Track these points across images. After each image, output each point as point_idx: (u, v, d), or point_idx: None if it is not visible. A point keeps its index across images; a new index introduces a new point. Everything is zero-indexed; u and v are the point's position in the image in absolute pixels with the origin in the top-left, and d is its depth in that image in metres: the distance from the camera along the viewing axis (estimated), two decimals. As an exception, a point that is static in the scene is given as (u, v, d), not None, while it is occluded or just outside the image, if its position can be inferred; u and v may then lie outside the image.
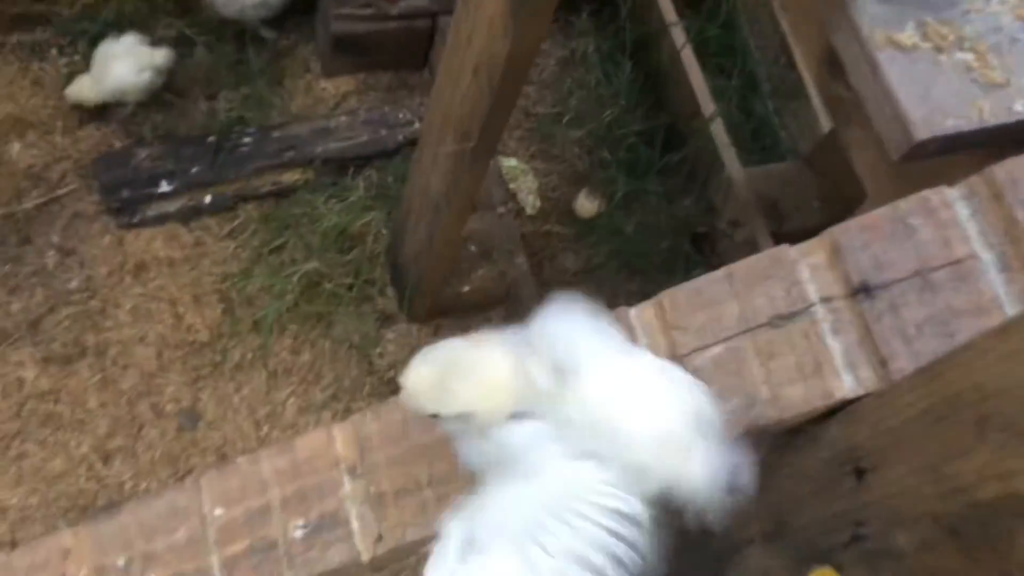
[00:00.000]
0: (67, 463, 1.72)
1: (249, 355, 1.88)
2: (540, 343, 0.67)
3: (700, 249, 2.02)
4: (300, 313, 1.91)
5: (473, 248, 1.92)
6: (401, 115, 2.07)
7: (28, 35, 2.05)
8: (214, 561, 0.89)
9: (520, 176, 2.07)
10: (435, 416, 0.73)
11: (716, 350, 0.81)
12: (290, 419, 1.85)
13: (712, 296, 0.82)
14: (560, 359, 0.65)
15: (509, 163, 2.06)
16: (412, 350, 1.88)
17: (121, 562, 0.93)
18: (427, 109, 1.58)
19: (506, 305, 1.96)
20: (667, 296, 0.82)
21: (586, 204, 2.06)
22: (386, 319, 1.95)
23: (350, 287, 1.94)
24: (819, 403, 0.78)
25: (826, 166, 1.79)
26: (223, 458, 1.77)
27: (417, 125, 2.07)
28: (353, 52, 2.10)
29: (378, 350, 1.91)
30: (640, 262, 2.04)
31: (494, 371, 0.68)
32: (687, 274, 0.84)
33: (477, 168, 1.51)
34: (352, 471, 0.88)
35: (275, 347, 1.88)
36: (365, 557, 0.85)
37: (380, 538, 0.85)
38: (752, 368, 0.80)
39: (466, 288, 1.90)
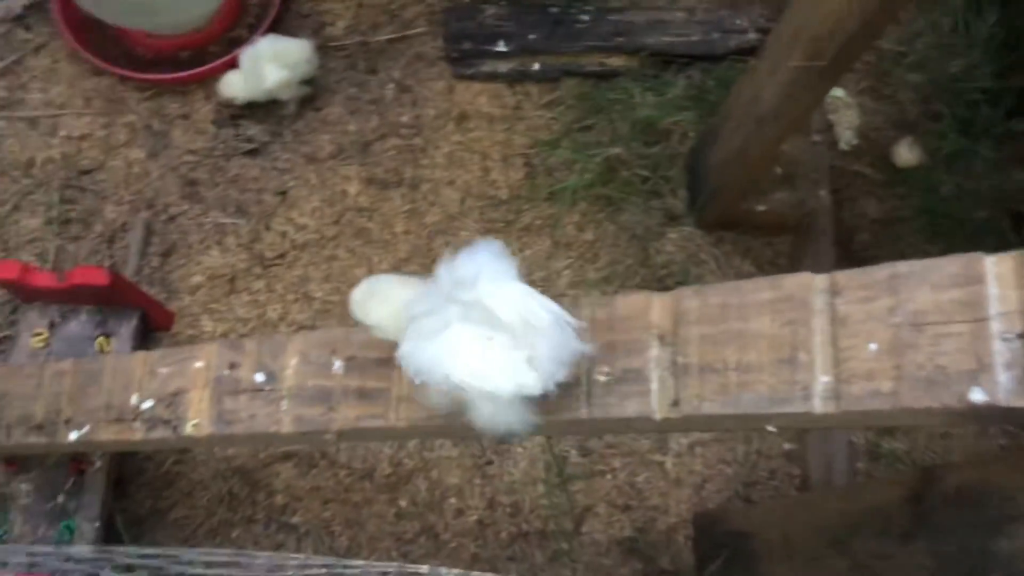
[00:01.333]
0: (367, 274, 1.91)
1: (538, 221, 1.98)
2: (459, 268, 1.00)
3: (1019, 228, 1.89)
4: (593, 193, 1.99)
5: (779, 170, 1.90)
6: (738, 22, 2.05)
7: None
8: (520, 382, 0.99)
9: (843, 108, 2.00)
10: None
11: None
12: (560, 289, 1.95)
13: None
14: (467, 276, 0.97)
15: (836, 93, 2.00)
16: (690, 254, 1.94)
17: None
18: (781, 19, 1.55)
19: (795, 235, 1.94)
20: (1033, 253, 0.80)
21: (905, 153, 1.96)
22: (672, 218, 1.99)
23: (645, 179, 1.99)
24: None
25: None
26: (496, 307, 1.91)
27: (751, 35, 2.05)
28: (704, -50, 2.08)
29: (657, 245, 1.96)
30: (947, 226, 1.93)
31: (396, 304, 1.05)
32: (996, 251, 0.81)
33: (819, 89, 1.48)
34: (662, 338, 0.94)
35: (563, 219, 1.97)
36: (658, 416, 0.92)
37: (676, 403, 0.91)
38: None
39: (761, 208, 1.89)
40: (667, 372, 0.93)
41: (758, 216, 1.91)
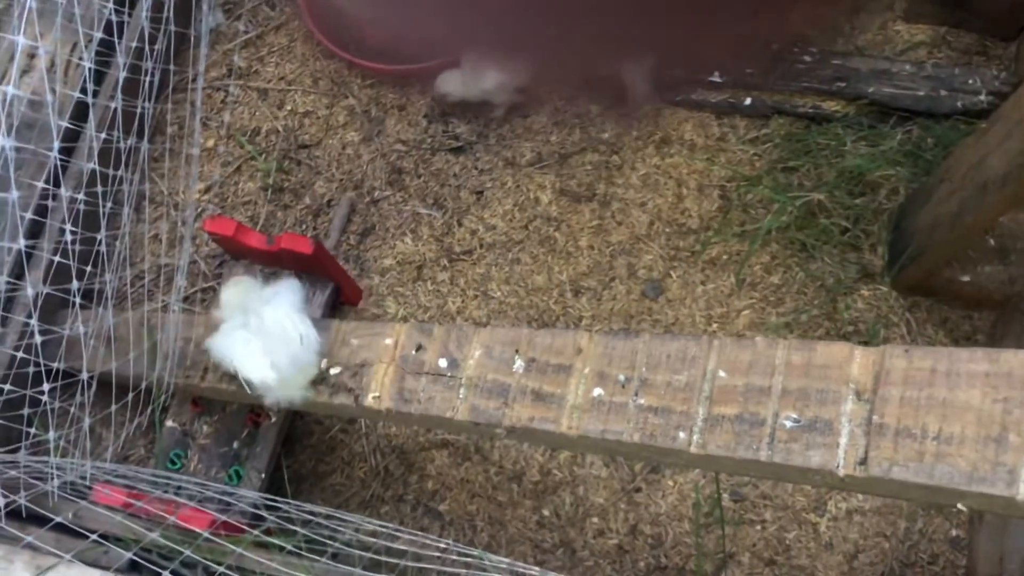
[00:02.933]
0: (546, 282, 1.96)
1: (725, 256, 1.96)
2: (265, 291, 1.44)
3: None
4: (787, 236, 1.94)
5: (991, 241, 1.79)
6: (971, 81, 1.95)
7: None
8: (700, 412, 0.99)
9: (1075, 187, 1.86)
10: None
11: None
12: (738, 329, 1.91)
13: None
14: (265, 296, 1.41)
15: (1069, 170, 1.86)
16: (881, 314, 1.86)
17: (621, 377, 1.06)
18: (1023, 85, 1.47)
19: (999, 313, 1.82)
20: None
21: None
22: (866, 275, 1.91)
23: (845, 230, 1.92)
24: None
25: None
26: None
27: (983, 97, 1.94)
28: (945, 3, 2.00)
29: (847, 300, 1.89)
30: None
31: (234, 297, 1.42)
32: None
33: (1057, 162, 1.39)
34: (860, 394, 0.91)
35: (752, 258, 1.93)
36: (842, 472, 0.89)
37: (863, 462, 0.88)
38: None
39: (965, 278, 1.79)
40: (859, 429, 0.90)
41: (961, 287, 1.81)
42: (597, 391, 1.06)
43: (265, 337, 1.33)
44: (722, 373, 0.98)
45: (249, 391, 1.36)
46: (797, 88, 1.99)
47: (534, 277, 1.96)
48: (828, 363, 0.93)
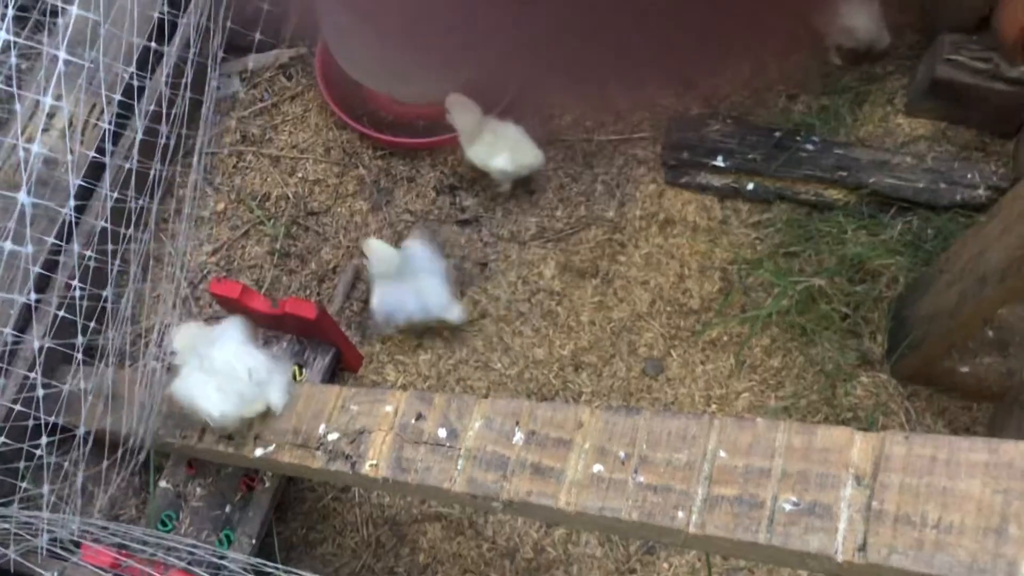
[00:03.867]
0: (547, 355, 1.96)
1: (726, 337, 1.97)
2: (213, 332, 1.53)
3: None
4: (788, 320, 1.95)
5: (990, 333, 1.80)
6: (970, 176, 1.99)
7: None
8: (700, 491, 0.99)
9: (1073, 283, 1.88)
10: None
11: None
12: (737, 411, 1.91)
13: None
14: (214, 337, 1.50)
15: (1067, 265, 1.89)
16: (880, 402, 1.86)
17: (621, 453, 1.06)
18: (1022, 182, 1.50)
19: (997, 405, 1.82)
20: None
21: None
22: (866, 362, 1.92)
23: (845, 317, 1.93)
24: None
25: None
26: (668, 414, 1.89)
27: (981, 191, 1.98)
28: (946, 99, 2.05)
29: (846, 387, 1.89)
30: None
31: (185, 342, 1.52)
32: None
33: (1055, 257, 1.41)
34: (859, 479, 0.91)
35: (752, 341, 1.94)
36: (840, 558, 0.88)
37: (863, 548, 0.87)
38: None
39: (964, 369, 1.80)
40: (859, 514, 0.89)
41: (960, 377, 1.82)
42: (597, 467, 1.06)
43: (216, 375, 1.44)
44: (722, 453, 0.98)
45: (212, 425, 1.45)
46: (800, 175, 2.03)
47: (535, 350, 1.97)
48: (828, 447, 0.93)
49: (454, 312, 1.89)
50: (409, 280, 1.87)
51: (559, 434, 1.12)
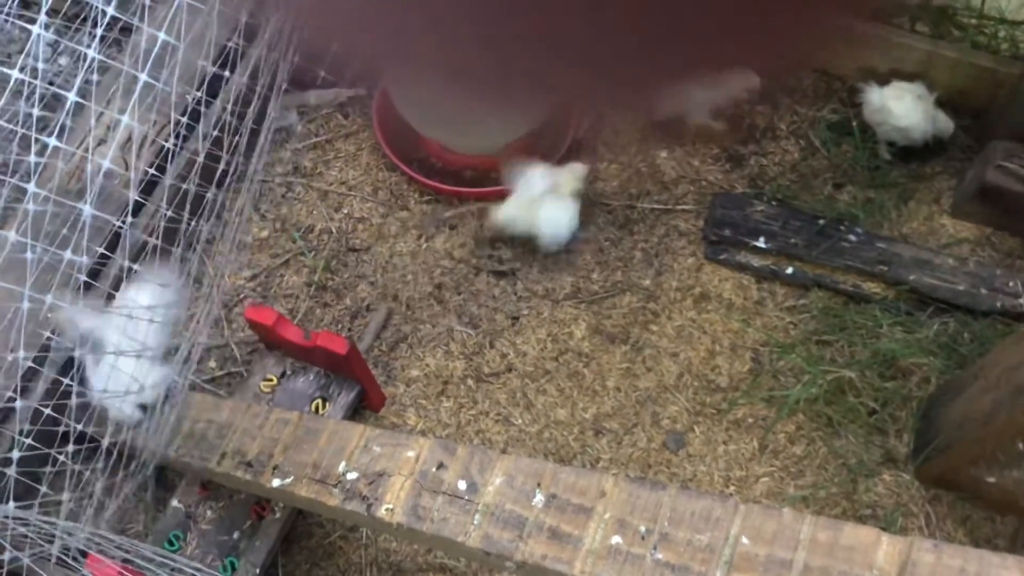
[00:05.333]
0: (568, 417, 1.95)
1: (751, 419, 1.95)
2: None
3: None
4: (815, 409, 1.93)
5: (1021, 446, 1.77)
6: (1011, 284, 1.98)
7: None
8: (718, 575, 0.97)
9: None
10: None
11: None
12: (755, 495, 1.89)
13: None
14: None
15: (1104, 385, 1.86)
16: (901, 503, 1.83)
17: (642, 528, 1.05)
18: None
19: (1023, 520, 1.79)
20: None
21: None
22: (889, 460, 1.89)
23: (872, 412, 1.92)
24: None
25: None
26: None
27: (1022, 300, 1.97)
28: (993, 205, 2.05)
29: (868, 483, 1.87)
30: None
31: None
32: None
33: (1096, 377, 1.39)
34: (884, 583, 0.90)
35: (777, 426, 1.93)
36: (858, 663, 0.87)
37: (882, 656, 0.86)
38: None
39: (991, 479, 1.77)
40: (880, 619, 0.88)
41: (986, 487, 1.79)
42: (616, 539, 1.05)
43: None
44: (745, 540, 0.97)
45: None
46: (840, 265, 2.03)
47: (557, 410, 1.96)
48: (854, 545, 0.92)
49: None
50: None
51: (580, 500, 1.12)
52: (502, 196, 2.15)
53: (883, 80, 2.13)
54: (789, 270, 2.06)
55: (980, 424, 1.66)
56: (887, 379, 1.94)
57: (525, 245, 2.13)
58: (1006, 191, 2.00)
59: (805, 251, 2.04)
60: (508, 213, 2.03)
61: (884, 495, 1.86)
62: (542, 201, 2.01)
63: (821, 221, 2.07)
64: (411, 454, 1.29)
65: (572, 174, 2.04)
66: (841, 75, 2.26)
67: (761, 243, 2.05)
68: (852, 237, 2.04)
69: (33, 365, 1.54)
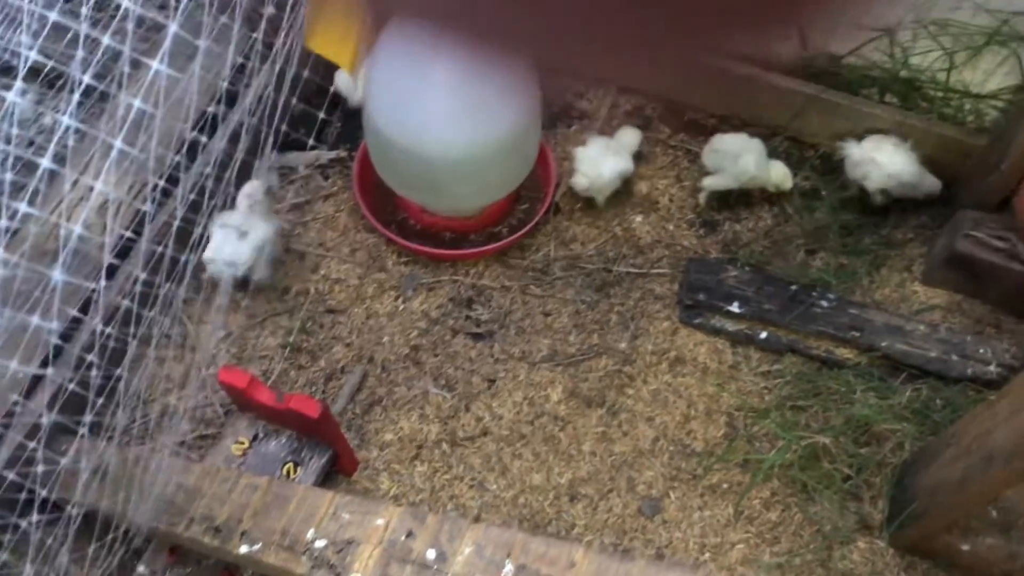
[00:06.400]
0: (544, 482, 1.94)
1: (726, 484, 1.95)
2: None
3: None
4: (789, 475, 1.93)
5: (994, 514, 1.78)
6: (982, 351, 2.00)
7: (691, 140, 2.38)
8: (687, 652, 0.96)
9: (1080, 471, 1.87)
10: None
11: None
12: (731, 562, 1.87)
13: None
14: None
15: (1075, 452, 1.87)
16: (876, 571, 1.83)
17: (611, 600, 1.04)
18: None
19: (998, 587, 1.78)
20: None
21: None
22: (864, 527, 1.89)
23: (847, 478, 1.92)
24: None
25: None
26: (659, 558, 1.86)
27: (992, 368, 1.99)
28: (962, 273, 2.08)
29: (843, 550, 1.86)
30: None
31: None
32: None
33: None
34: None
35: (752, 491, 1.92)
36: None
37: None
38: None
39: (965, 547, 1.77)
40: None
41: (960, 555, 1.78)
42: (584, 611, 1.04)
43: None
44: (713, 614, 0.96)
45: None
46: (813, 330, 2.05)
47: (533, 475, 1.95)
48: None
49: None
50: None
51: (550, 571, 1.11)
52: (481, 258, 2.17)
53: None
54: (763, 335, 2.08)
55: (953, 491, 1.66)
56: (861, 445, 1.95)
57: (501, 307, 2.13)
58: (975, 259, 2.03)
59: (778, 316, 2.06)
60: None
61: (859, 562, 1.86)
62: None
63: (794, 287, 2.09)
64: (380, 522, 1.28)
65: None
66: (813, 143, 2.31)
67: (735, 308, 2.07)
68: (824, 303, 2.07)
69: None
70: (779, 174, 2.15)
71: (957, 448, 1.69)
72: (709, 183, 2.22)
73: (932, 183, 2.13)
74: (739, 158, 2.15)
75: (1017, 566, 1.73)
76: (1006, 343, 2.03)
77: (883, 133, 2.14)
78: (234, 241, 1.97)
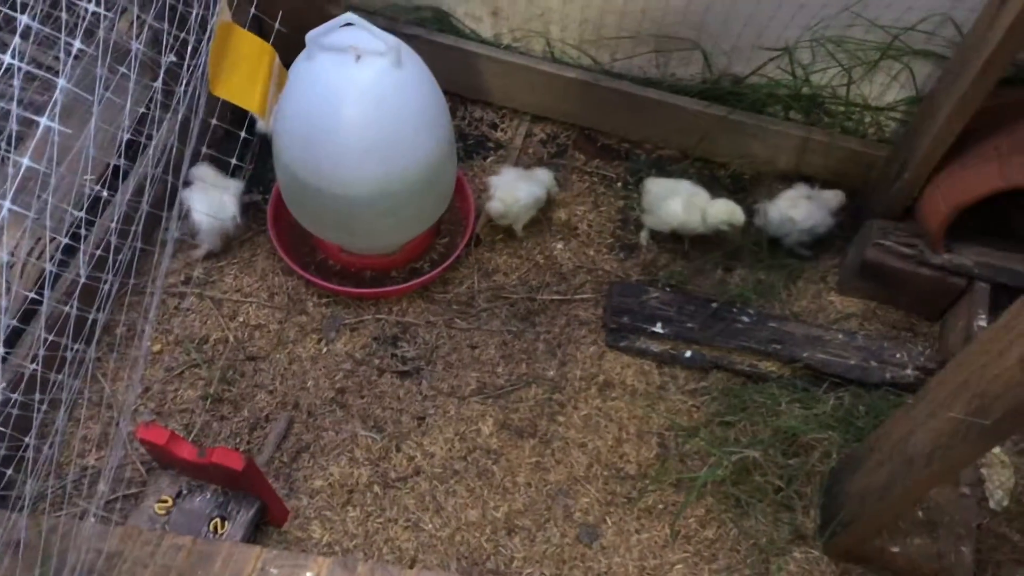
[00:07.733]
0: (480, 517, 1.92)
1: (661, 505, 1.95)
2: None
3: None
4: (723, 490, 1.95)
5: (920, 515, 1.82)
6: (898, 355, 2.05)
7: (606, 165, 2.41)
8: None
9: (998, 466, 1.93)
10: None
11: None
12: (671, 582, 1.88)
13: None
14: None
15: (993, 449, 1.93)
16: (812, 581, 1.84)
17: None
18: (947, 366, 1.55)
19: (929, 586, 1.82)
20: None
21: (1061, 528, 1.85)
22: (800, 537, 1.91)
23: (778, 489, 1.94)
24: None
25: None
26: (600, 584, 1.85)
27: (909, 371, 2.04)
28: (875, 281, 2.14)
29: (779, 562, 1.88)
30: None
31: None
32: None
33: (978, 446, 1.45)
34: None
35: (687, 510, 1.93)
36: None
37: None
38: None
39: (895, 549, 1.80)
40: None
41: (891, 557, 1.82)
42: (521, 653, 1.02)
43: None
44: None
45: None
46: (735, 346, 2.08)
47: (468, 511, 1.93)
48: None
49: None
50: None
51: (485, 614, 1.09)
52: (404, 294, 2.15)
53: (763, 176, 2.25)
54: (688, 354, 2.10)
55: (879, 496, 1.70)
56: (790, 456, 1.98)
57: (427, 343, 2.11)
58: (885, 267, 2.09)
59: (701, 334, 2.08)
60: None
61: (796, 573, 1.88)
62: None
63: (715, 304, 2.12)
64: (310, 575, 1.24)
65: None
66: (723, 162, 2.36)
67: (659, 328, 2.09)
68: (745, 318, 2.10)
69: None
70: (723, 211, 2.13)
71: (880, 453, 1.73)
72: (647, 222, 2.24)
73: (838, 203, 2.21)
74: (664, 201, 2.17)
75: (945, 564, 1.77)
76: (921, 346, 2.09)
77: (785, 174, 2.23)
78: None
